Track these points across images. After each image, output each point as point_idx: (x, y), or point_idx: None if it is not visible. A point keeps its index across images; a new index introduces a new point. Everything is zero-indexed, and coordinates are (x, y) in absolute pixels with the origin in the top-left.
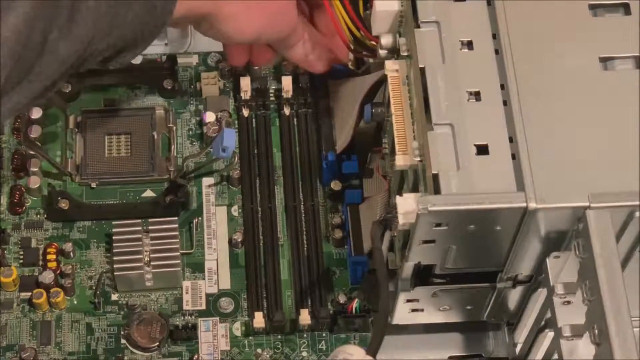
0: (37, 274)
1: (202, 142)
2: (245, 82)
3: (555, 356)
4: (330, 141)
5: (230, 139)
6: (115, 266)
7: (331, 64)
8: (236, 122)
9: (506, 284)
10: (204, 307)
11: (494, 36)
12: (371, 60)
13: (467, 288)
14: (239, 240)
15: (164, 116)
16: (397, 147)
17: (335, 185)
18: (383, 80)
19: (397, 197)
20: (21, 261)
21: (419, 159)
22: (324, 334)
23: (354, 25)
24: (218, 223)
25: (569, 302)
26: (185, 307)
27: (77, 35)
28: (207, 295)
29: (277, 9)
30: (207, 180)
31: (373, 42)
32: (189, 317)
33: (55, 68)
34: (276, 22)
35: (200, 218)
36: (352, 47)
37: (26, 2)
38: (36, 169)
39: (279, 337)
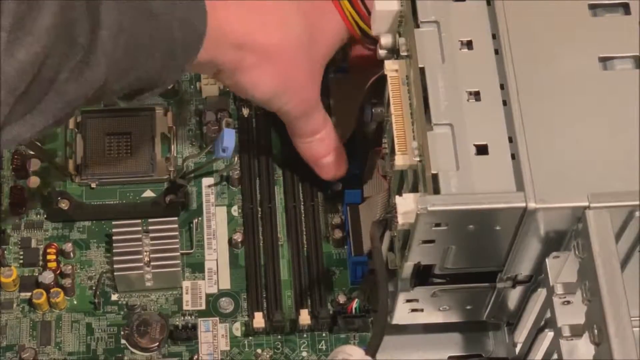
0: (37, 274)
1: (202, 142)
2: None
3: (555, 356)
4: None
5: (230, 139)
6: (115, 266)
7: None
8: (236, 122)
9: (506, 284)
10: (203, 307)
11: (494, 36)
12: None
13: (467, 288)
14: (239, 240)
15: (164, 116)
16: (396, 147)
17: (336, 185)
18: (383, 79)
19: (397, 197)
20: (21, 261)
21: (418, 159)
22: (323, 334)
23: (362, 20)
24: (218, 223)
25: (568, 302)
26: (185, 307)
27: (88, 80)
28: (207, 296)
29: (301, 77)
30: (207, 180)
31: None
32: (189, 317)
33: (60, 108)
34: (294, 88)
35: (200, 218)
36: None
37: (41, 36)
38: (36, 169)
39: (279, 337)
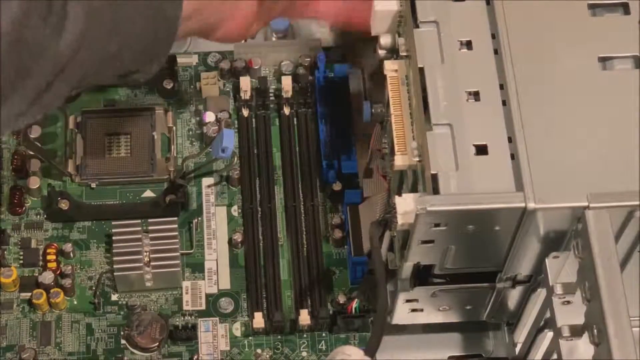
0: (37, 275)
1: (202, 142)
2: (245, 82)
3: (555, 356)
4: (329, 146)
5: (230, 139)
6: (115, 266)
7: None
8: (236, 122)
9: (505, 284)
10: (203, 307)
11: (493, 36)
12: None
13: (467, 288)
14: (239, 240)
15: (164, 116)
16: (396, 147)
17: (336, 185)
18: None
19: (396, 197)
20: (21, 262)
21: (418, 159)
22: (323, 334)
23: None
24: (218, 223)
25: (568, 302)
26: (185, 308)
27: (71, 31)
28: (207, 296)
29: None
30: (207, 180)
31: None
32: (189, 318)
33: (50, 67)
34: None
35: (200, 218)
36: None
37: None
38: (36, 169)
39: (279, 337)
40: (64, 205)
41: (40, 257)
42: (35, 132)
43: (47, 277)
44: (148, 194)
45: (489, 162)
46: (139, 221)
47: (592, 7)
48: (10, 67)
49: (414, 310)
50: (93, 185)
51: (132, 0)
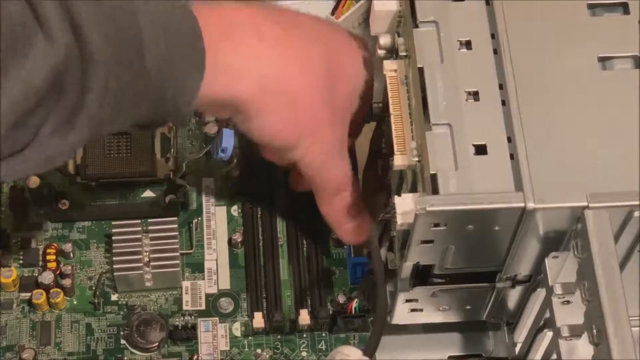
0: (36, 275)
1: (202, 142)
2: None
3: (554, 356)
4: None
5: (229, 139)
6: (114, 266)
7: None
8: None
9: (505, 284)
10: (203, 307)
11: (493, 36)
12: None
13: (467, 288)
14: (239, 240)
15: None
16: (395, 147)
17: None
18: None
19: (396, 197)
20: (21, 262)
21: (417, 159)
22: (323, 334)
23: None
24: (218, 223)
25: (567, 302)
26: (184, 308)
27: (70, 141)
28: (207, 296)
29: (323, 123)
30: (207, 180)
31: None
32: (189, 318)
33: (42, 161)
34: (316, 134)
35: (200, 218)
36: None
37: (36, 75)
38: None
39: (279, 337)
40: (63, 205)
41: (40, 257)
42: None
43: (47, 277)
44: (148, 194)
45: (489, 162)
46: (139, 221)
47: (591, 7)
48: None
49: (413, 310)
50: (93, 185)
51: (135, 101)
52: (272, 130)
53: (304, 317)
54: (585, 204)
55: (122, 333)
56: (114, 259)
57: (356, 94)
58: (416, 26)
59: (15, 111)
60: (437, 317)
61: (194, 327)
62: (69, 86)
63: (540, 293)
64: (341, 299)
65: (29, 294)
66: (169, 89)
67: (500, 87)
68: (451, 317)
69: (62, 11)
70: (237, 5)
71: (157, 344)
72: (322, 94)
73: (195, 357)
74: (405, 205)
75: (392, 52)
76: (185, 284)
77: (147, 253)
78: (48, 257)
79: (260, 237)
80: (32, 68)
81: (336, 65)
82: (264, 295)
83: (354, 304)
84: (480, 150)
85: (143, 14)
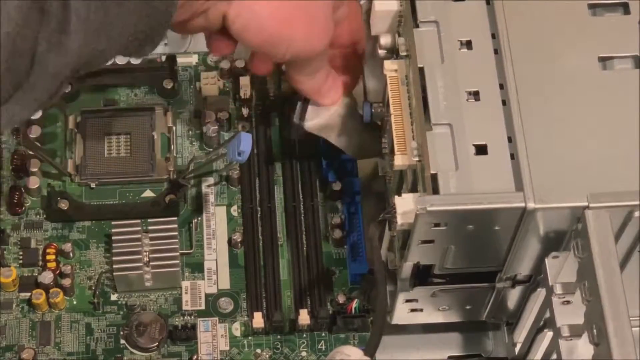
0: (36, 275)
1: (202, 142)
2: (245, 82)
3: (554, 356)
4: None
5: (248, 143)
6: (114, 266)
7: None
8: (235, 121)
9: (505, 284)
10: (203, 307)
11: (493, 36)
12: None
13: (467, 288)
14: (239, 240)
15: (163, 116)
16: (395, 147)
17: (336, 185)
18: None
19: (396, 197)
20: (21, 261)
21: (417, 159)
22: (323, 334)
23: None
24: (217, 223)
25: (568, 302)
26: (184, 307)
27: (68, 48)
28: (207, 296)
29: (312, 15)
30: (207, 180)
31: None
32: (189, 317)
33: (48, 81)
34: (300, 30)
35: (199, 218)
36: None
37: (11, 6)
38: (36, 169)
39: (278, 337)
40: (63, 205)
41: (40, 257)
42: (35, 132)
43: (47, 277)
44: (148, 194)
45: (489, 162)
46: (139, 221)
47: (592, 7)
48: (11, 74)
49: (413, 310)
50: (93, 185)
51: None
52: (259, 38)
53: (304, 317)
54: (585, 204)
55: (121, 333)
56: (114, 258)
57: None
58: (417, 26)
59: (7, 49)
60: (437, 317)
61: (194, 327)
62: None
63: (540, 293)
64: (341, 299)
65: (29, 294)
66: None
67: (501, 87)
68: (451, 317)
69: None
70: None
71: (156, 344)
72: None
73: (195, 357)
74: (405, 205)
75: (393, 52)
76: (185, 284)
77: (147, 253)
78: (48, 257)
79: (260, 237)
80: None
81: None
82: (264, 295)
83: (354, 304)
84: (481, 150)
85: None
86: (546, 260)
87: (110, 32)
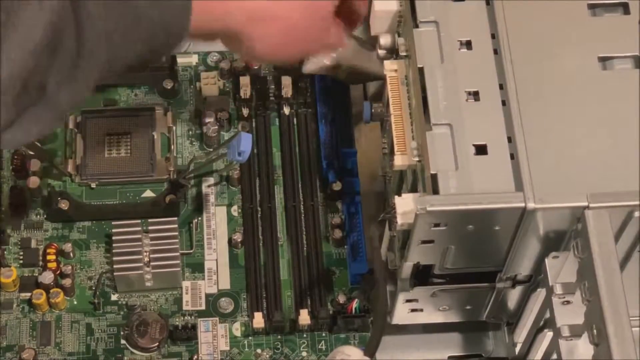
0: (37, 275)
1: (202, 142)
2: (245, 82)
3: (554, 356)
4: (329, 146)
5: (247, 143)
6: (115, 266)
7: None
8: (235, 121)
9: (505, 284)
10: (203, 307)
11: (493, 36)
12: None
13: (467, 288)
14: (239, 240)
15: (163, 116)
16: (395, 147)
17: (336, 185)
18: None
19: (396, 197)
20: (21, 262)
21: (417, 159)
22: (323, 334)
23: None
24: (218, 223)
25: (568, 302)
26: (185, 308)
27: (80, 82)
28: (207, 296)
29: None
30: (207, 180)
31: None
32: (189, 318)
33: (56, 116)
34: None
35: (200, 218)
36: None
37: (32, 34)
38: (36, 169)
39: (279, 337)
40: (64, 205)
41: (40, 257)
42: None
43: (47, 277)
44: (148, 194)
45: (489, 162)
46: (139, 221)
47: (592, 7)
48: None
49: (413, 310)
50: (93, 185)
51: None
52: (263, 53)
53: (304, 317)
54: (585, 204)
55: (122, 333)
56: (114, 259)
57: None
58: (416, 26)
59: (19, 76)
60: (437, 317)
61: (194, 327)
62: (65, 39)
63: (541, 293)
64: (341, 299)
65: (29, 294)
66: (159, 22)
67: (501, 87)
68: (451, 317)
69: None
70: None
71: (157, 344)
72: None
73: (195, 357)
74: (405, 205)
75: (393, 52)
76: (185, 284)
77: (147, 253)
78: (48, 257)
79: (261, 237)
80: (27, 30)
81: None
82: (264, 295)
83: (354, 304)
84: (481, 150)
85: None
86: (546, 260)
87: (114, 66)
